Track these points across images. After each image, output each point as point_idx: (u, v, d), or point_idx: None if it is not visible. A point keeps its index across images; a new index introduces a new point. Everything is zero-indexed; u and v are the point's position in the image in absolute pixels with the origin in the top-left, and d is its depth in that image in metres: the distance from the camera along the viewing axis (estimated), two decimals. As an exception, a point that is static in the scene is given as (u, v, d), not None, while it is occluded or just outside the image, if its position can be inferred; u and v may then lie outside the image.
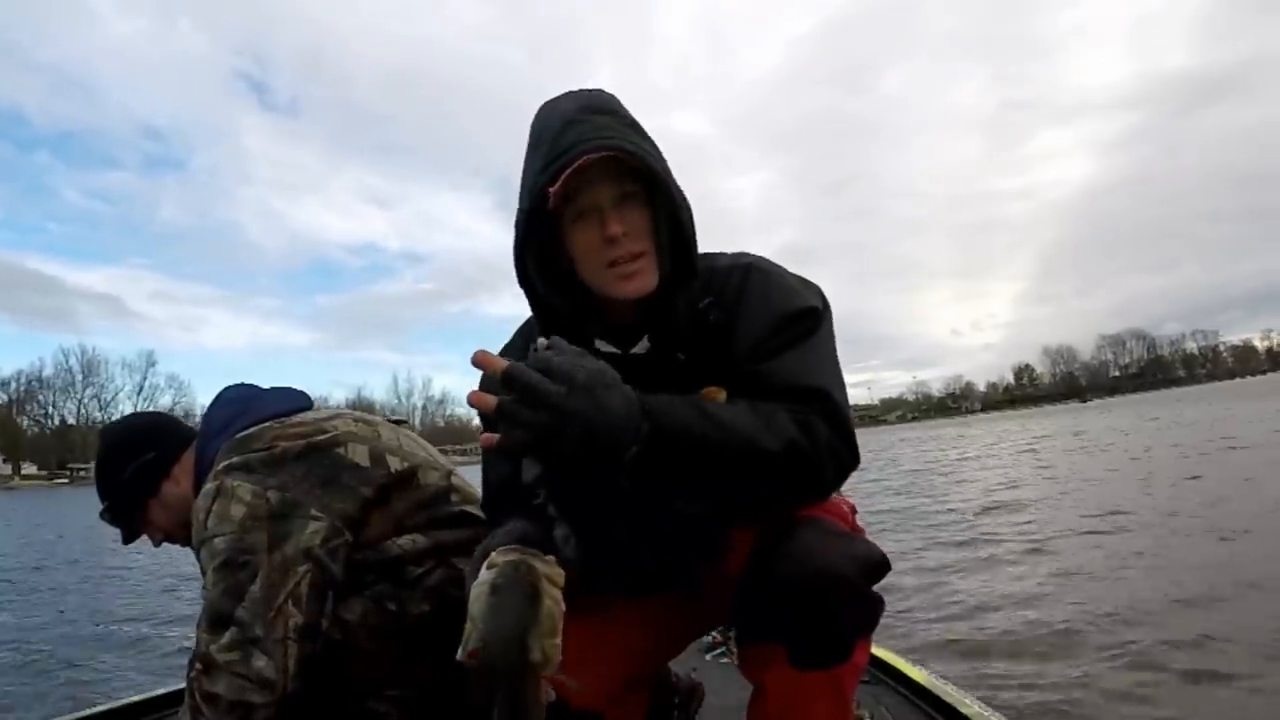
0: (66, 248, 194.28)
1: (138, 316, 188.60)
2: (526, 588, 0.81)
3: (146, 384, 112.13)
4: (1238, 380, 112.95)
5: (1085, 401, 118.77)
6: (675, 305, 1.08)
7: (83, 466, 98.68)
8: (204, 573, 1.33)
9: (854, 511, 1.18)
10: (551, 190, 0.98)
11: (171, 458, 1.56)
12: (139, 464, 1.53)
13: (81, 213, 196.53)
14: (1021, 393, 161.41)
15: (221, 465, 1.38)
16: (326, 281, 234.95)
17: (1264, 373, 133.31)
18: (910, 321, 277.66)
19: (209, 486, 1.36)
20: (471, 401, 0.79)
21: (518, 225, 1.05)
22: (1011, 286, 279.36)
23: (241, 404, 1.54)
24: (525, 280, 1.09)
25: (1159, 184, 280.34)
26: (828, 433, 0.99)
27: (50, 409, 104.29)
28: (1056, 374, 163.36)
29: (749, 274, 1.12)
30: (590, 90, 1.09)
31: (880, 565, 1.01)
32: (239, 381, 1.64)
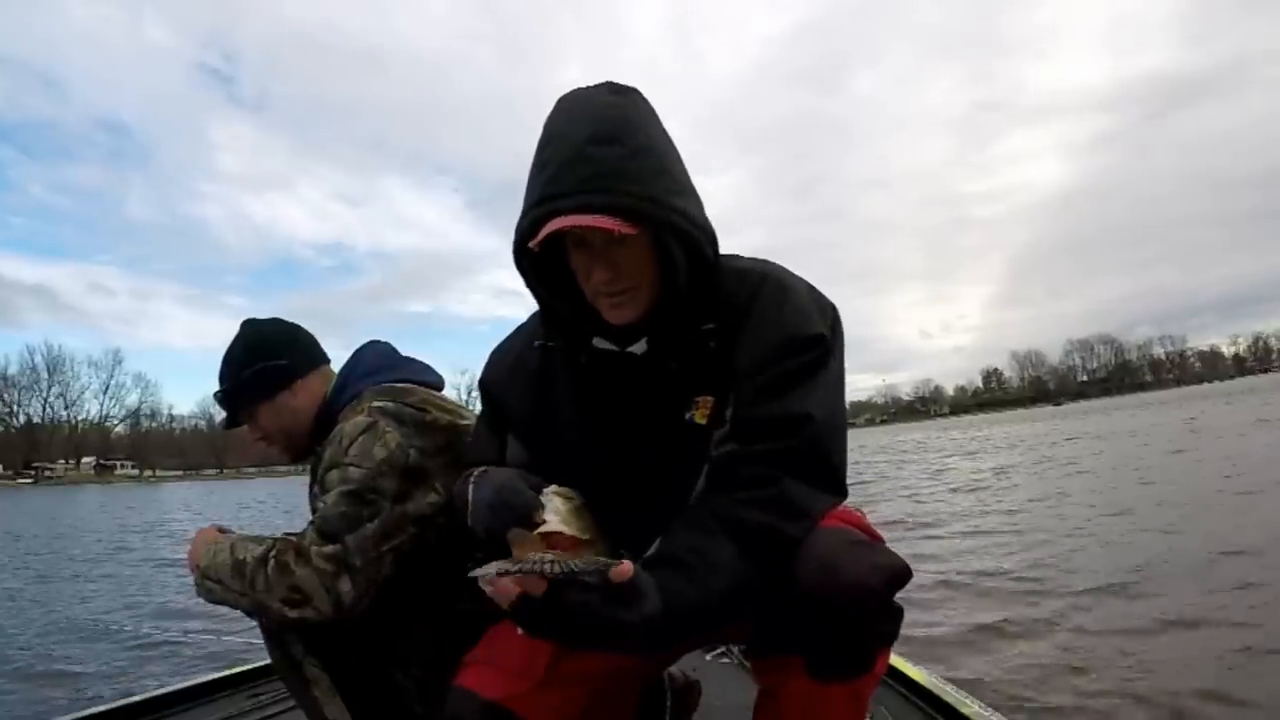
0: (30, 244, 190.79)
1: (103, 314, 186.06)
2: None
3: (113, 382, 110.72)
4: (1205, 385, 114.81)
5: (1058, 405, 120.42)
6: (674, 320, 1.07)
7: (48, 466, 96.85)
8: (324, 486, 1.41)
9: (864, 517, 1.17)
10: (531, 245, 0.97)
11: (299, 372, 1.61)
12: (267, 366, 1.58)
13: (46, 208, 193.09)
14: (990, 397, 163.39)
15: (375, 404, 1.46)
16: (293, 279, 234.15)
17: (1231, 378, 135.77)
18: (880, 324, 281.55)
19: (361, 419, 1.44)
20: None
21: (515, 243, 1.02)
22: (982, 290, 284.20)
23: (391, 360, 1.64)
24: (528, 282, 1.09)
25: (1132, 188, 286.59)
26: (799, 482, 0.99)
27: (15, 407, 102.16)
28: (1025, 378, 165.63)
29: (762, 286, 1.09)
30: (608, 97, 1.03)
31: (903, 575, 0.98)
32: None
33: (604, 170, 0.96)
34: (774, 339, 1.04)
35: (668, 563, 0.93)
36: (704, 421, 1.05)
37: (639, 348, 1.09)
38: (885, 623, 0.98)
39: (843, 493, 1.05)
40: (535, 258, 1.03)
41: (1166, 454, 13.47)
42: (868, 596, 0.94)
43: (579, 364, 1.13)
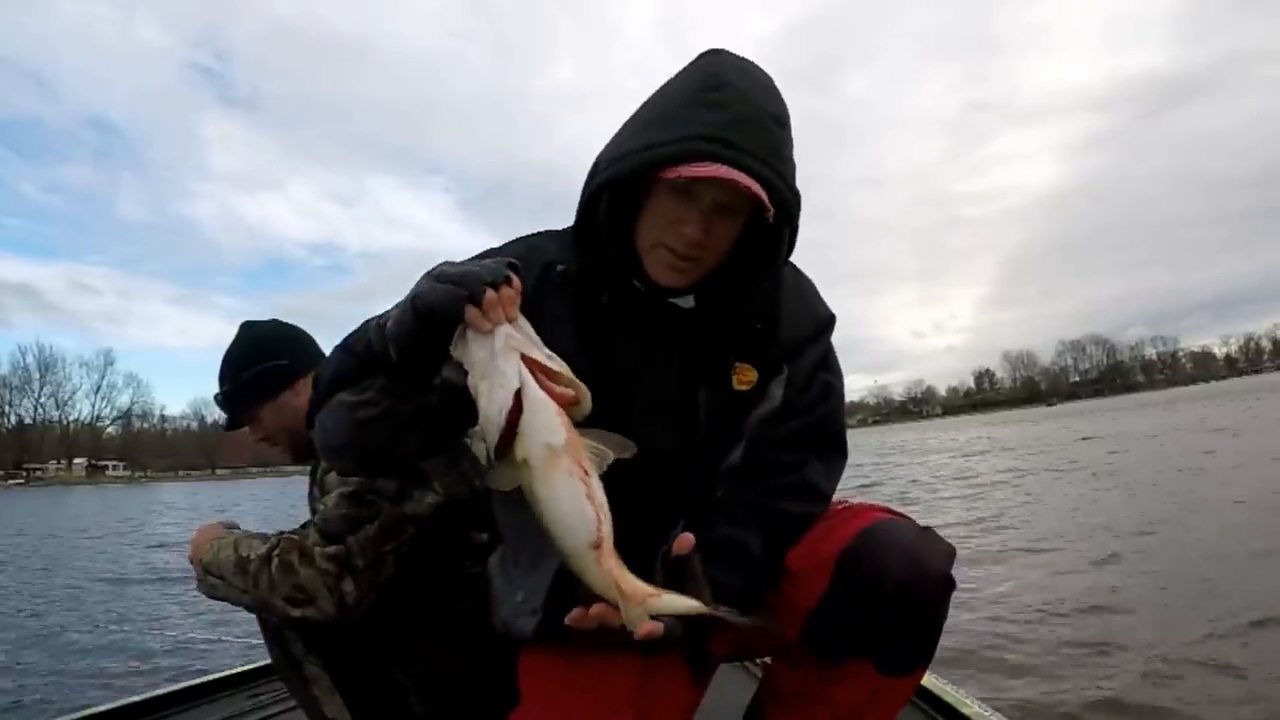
0: (22, 244, 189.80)
1: (94, 314, 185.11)
2: None
3: (105, 383, 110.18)
4: (1197, 386, 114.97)
5: (1051, 405, 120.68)
6: (721, 296, 1.08)
7: (40, 467, 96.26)
8: (324, 487, 1.43)
9: None
10: (678, 174, 0.93)
11: (299, 371, 1.62)
12: (267, 367, 1.59)
13: (37, 208, 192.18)
14: (982, 397, 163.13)
15: None
16: (284, 280, 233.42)
17: (1222, 378, 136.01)
18: (872, 325, 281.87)
19: None
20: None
21: (626, 152, 0.99)
22: (974, 290, 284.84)
23: None
24: (589, 203, 1.03)
25: (1126, 188, 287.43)
26: (824, 459, 1.12)
27: (6, 408, 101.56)
28: (1017, 379, 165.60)
29: (782, 276, 1.16)
30: (770, 81, 1.03)
31: (954, 554, 1.01)
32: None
33: (777, 148, 0.98)
34: (810, 325, 1.14)
35: (709, 554, 0.94)
36: (744, 388, 1.08)
37: (685, 302, 1.07)
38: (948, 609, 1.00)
39: (846, 453, 1.16)
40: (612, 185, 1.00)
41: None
42: (948, 583, 0.97)
43: (598, 301, 1.08)
